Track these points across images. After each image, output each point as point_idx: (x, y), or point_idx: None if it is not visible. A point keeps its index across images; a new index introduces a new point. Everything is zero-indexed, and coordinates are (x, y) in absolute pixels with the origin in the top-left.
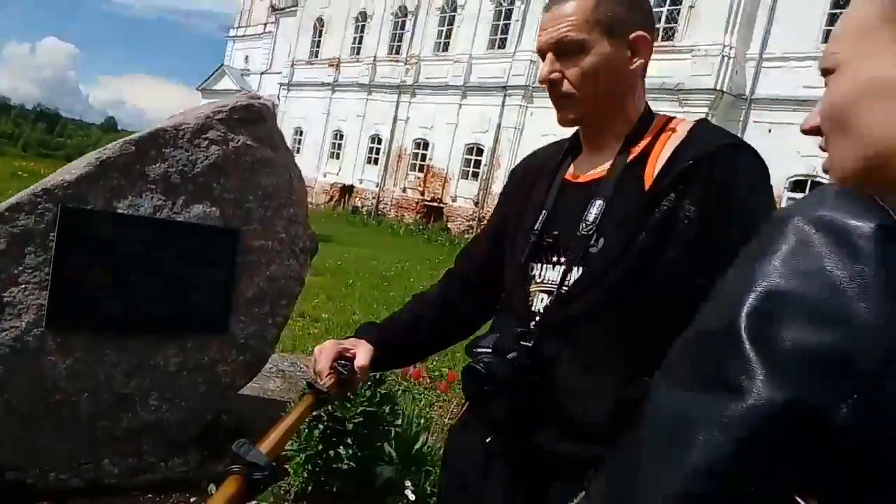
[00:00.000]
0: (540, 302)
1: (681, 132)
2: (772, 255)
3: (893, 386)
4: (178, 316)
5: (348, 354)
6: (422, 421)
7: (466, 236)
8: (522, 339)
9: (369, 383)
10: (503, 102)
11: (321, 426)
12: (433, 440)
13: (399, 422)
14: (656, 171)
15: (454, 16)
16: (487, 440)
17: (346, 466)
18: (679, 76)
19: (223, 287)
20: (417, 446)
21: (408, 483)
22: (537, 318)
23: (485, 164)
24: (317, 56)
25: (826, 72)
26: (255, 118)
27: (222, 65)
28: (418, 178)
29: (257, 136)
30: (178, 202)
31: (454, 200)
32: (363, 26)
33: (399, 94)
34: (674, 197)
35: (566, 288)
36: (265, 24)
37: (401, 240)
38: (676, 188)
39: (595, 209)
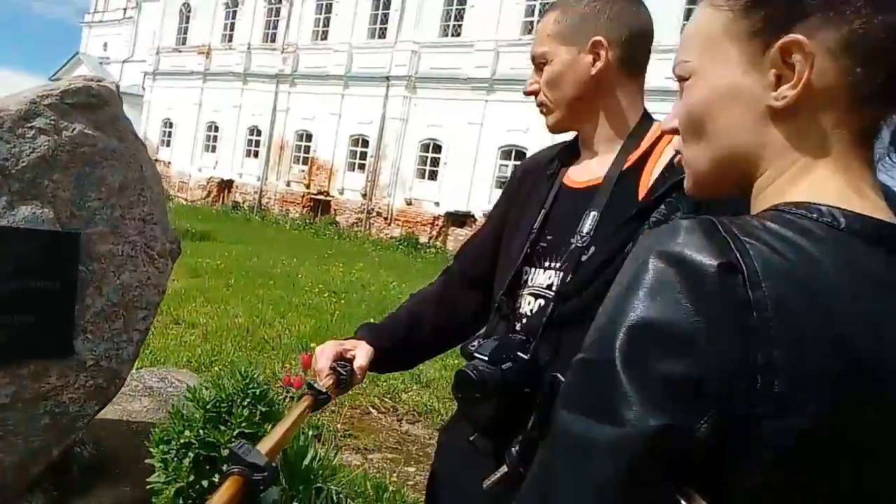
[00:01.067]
0: (528, 305)
1: (677, 141)
2: (636, 289)
3: (738, 401)
4: (7, 340)
5: (348, 355)
6: (310, 433)
7: (356, 229)
8: (520, 349)
9: (248, 401)
10: (387, 93)
11: (191, 454)
12: (325, 450)
13: None
14: (651, 181)
15: (331, 3)
16: (471, 438)
17: None
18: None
19: (63, 302)
20: (306, 462)
21: None
22: (524, 321)
23: (371, 156)
24: (184, 43)
25: (680, 79)
26: (93, 103)
27: (77, 52)
28: (303, 170)
29: (98, 123)
30: None
31: (342, 193)
32: (234, 12)
33: (277, 84)
34: (665, 209)
35: (555, 293)
36: (125, 9)
37: (287, 235)
38: (669, 199)
39: (590, 220)
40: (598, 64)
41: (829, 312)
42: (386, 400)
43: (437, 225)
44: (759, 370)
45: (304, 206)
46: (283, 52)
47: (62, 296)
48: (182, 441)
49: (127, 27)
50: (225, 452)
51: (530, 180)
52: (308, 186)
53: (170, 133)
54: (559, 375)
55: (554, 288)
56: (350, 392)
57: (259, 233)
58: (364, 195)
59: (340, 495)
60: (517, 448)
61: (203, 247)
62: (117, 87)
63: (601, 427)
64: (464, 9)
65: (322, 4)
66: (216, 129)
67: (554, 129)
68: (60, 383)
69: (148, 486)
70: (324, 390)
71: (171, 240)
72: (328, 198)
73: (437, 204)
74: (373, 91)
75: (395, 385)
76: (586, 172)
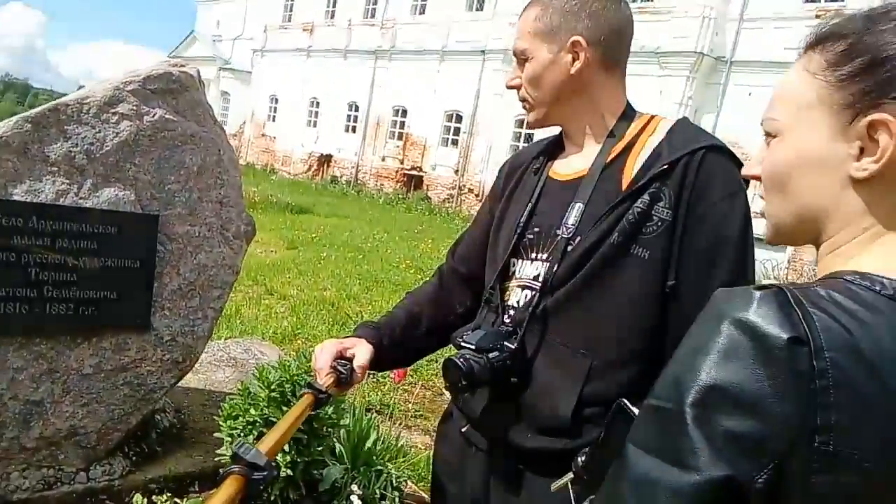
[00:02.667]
0: (515, 297)
1: (660, 132)
2: (710, 351)
3: (796, 457)
4: (91, 314)
5: (347, 354)
6: (372, 417)
7: (447, 205)
8: (507, 339)
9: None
10: (482, 67)
11: (255, 432)
12: (391, 430)
13: (346, 420)
14: (634, 172)
15: None
16: (463, 429)
17: (283, 473)
18: (659, 39)
19: (143, 280)
20: (369, 444)
21: (354, 487)
22: (511, 312)
23: (464, 132)
24: (290, 20)
25: (768, 134)
26: (174, 88)
27: (192, 31)
28: (397, 146)
29: (178, 108)
30: (84, 186)
31: (434, 169)
32: None
33: (376, 60)
34: (648, 199)
35: (541, 283)
36: None
37: (380, 210)
38: (651, 190)
39: (575, 212)
40: (578, 63)
41: (884, 381)
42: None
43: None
44: (817, 431)
45: (397, 182)
46: (381, 27)
47: (142, 274)
48: (248, 418)
49: (238, 5)
50: None
51: (517, 176)
52: (402, 162)
53: (275, 109)
54: (626, 402)
55: (541, 279)
56: (424, 372)
57: (354, 206)
58: (456, 171)
59: (401, 479)
60: (584, 458)
61: (301, 220)
62: (198, 72)
63: (669, 469)
64: None
65: None
66: (318, 104)
67: (535, 125)
68: (139, 356)
69: (217, 458)
70: (324, 389)
71: (245, 222)
72: (421, 173)
73: None
74: (468, 66)
75: None
76: (571, 166)
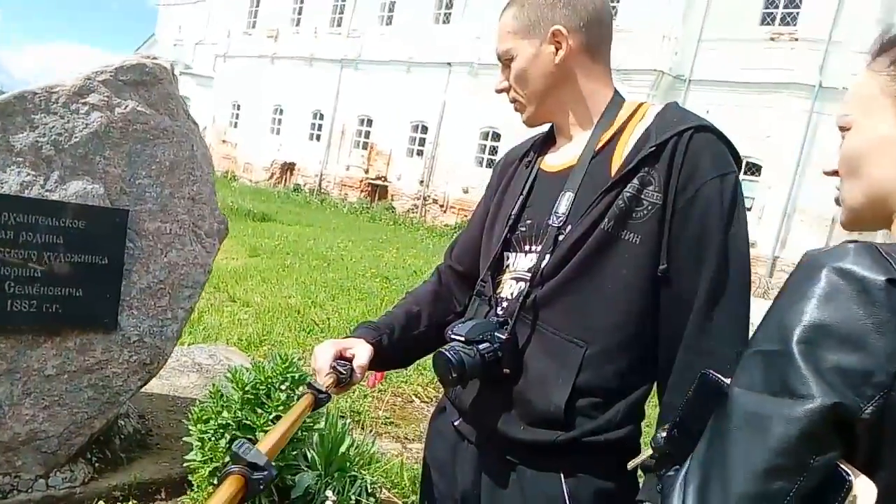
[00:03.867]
0: (509, 289)
1: (648, 117)
2: (812, 297)
3: None
4: (56, 312)
5: (347, 354)
6: (348, 421)
7: (412, 215)
8: (498, 329)
9: (286, 385)
10: (449, 79)
11: (228, 435)
12: (363, 437)
13: (322, 424)
14: (622, 158)
15: None
16: (455, 423)
17: None
18: (621, 56)
19: (111, 277)
20: (343, 449)
21: (329, 493)
22: (504, 304)
23: (430, 143)
24: (254, 26)
25: (842, 129)
26: (147, 80)
27: (153, 34)
28: (362, 156)
29: (151, 101)
30: (51, 178)
31: (399, 179)
32: None
33: (342, 69)
34: (637, 183)
35: (533, 274)
36: None
37: (344, 219)
38: (640, 174)
39: (565, 200)
40: (561, 53)
41: None
42: (430, 389)
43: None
44: None
45: (361, 191)
46: (348, 36)
47: (110, 271)
48: (220, 421)
49: (201, 9)
50: (260, 435)
51: (509, 171)
52: (367, 171)
53: (237, 115)
54: (711, 372)
55: (536, 270)
56: (394, 379)
57: (317, 215)
58: (421, 182)
59: (375, 485)
60: (664, 434)
61: (263, 227)
62: (172, 65)
63: (780, 401)
64: None
65: None
66: (281, 112)
67: (530, 123)
68: (105, 357)
69: (185, 464)
70: (324, 389)
71: (218, 220)
72: (385, 183)
73: None
74: (435, 77)
75: None
76: (562, 157)
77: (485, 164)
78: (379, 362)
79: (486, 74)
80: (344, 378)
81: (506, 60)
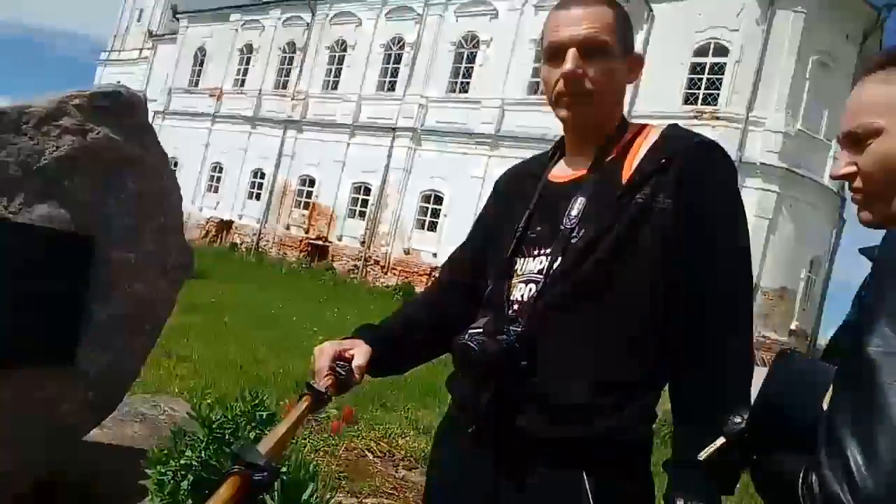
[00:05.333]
0: (519, 292)
1: (654, 135)
2: None
3: None
4: (7, 341)
5: (346, 355)
6: (311, 468)
7: (352, 276)
8: (512, 323)
9: (255, 424)
10: (392, 143)
11: (191, 477)
12: (321, 490)
13: (284, 468)
14: (633, 168)
15: (343, 56)
16: (469, 430)
17: None
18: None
19: (70, 306)
20: (305, 496)
21: None
22: (515, 307)
23: (372, 204)
24: (197, 85)
25: (865, 136)
26: (121, 109)
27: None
28: (303, 215)
29: (124, 129)
30: (16, 199)
31: (340, 239)
32: (248, 58)
33: (285, 130)
34: (649, 191)
35: (546, 275)
36: (141, 50)
37: (283, 278)
38: (651, 182)
39: (577, 205)
40: (633, 76)
41: None
42: (382, 444)
43: (435, 275)
44: None
45: (301, 251)
46: (293, 99)
47: (70, 300)
48: (182, 462)
49: (142, 67)
50: None
51: (514, 185)
52: (307, 231)
53: (175, 172)
54: (792, 349)
55: (545, 270)
56: (346, 436)
57: (255, 274)
58: (363, 242)
59: None
60: (739, 419)
61: (198, 284)
62: (145, 97)
63: None
64: (472, 67)
65: (335, 56)
66: (221, 170)
67: (581, 119)
68: (58, 393)
69: None
70: (323, 390)
71: (185, 255)
72: (326, 243)
73: (434, 255)
74: (379, 141)
75: (391, 430)
76: (570, 169)
77: (426, 226)
78: (378, 365)
79: (428, 139)
80: (343, 379)
81: (596, 50)
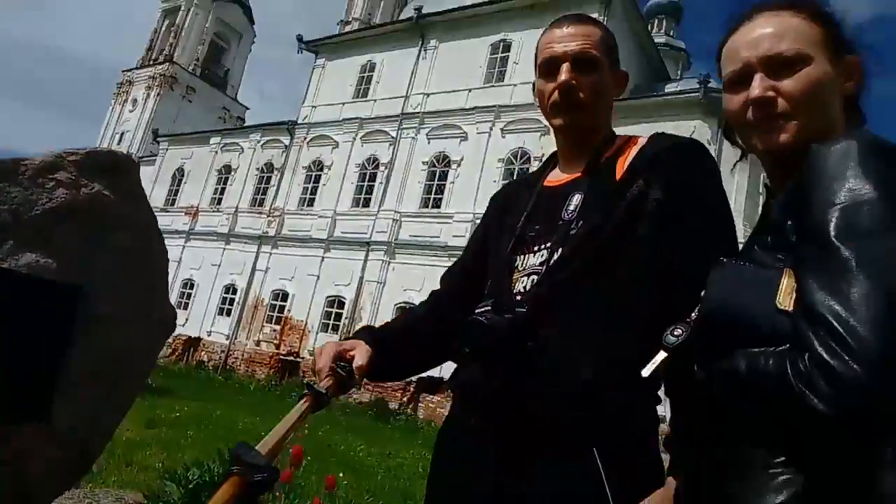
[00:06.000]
0: (521, 284)
1: (642, 141)
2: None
3: None
4: None
5: (347, 355)
6: None
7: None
8: (517, 306)
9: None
10: (366, 257)
11: None
12: None
13: None
14: (626, 167)
15: (320, 175)
16: (472, 422)
17: None
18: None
19: (51, 354)
20: None
21: None
22: (519, 298)
23: (346, 317)
24: (173, 204)
25: (797, 60)
26: (115, 168)
27: None
28: (275, 330)
29: (116, 188)
30: (4, 247)
31: (312, 354)
32: (227, 178)
33: (259, 245)
34: (642, 183)
35: (546, 265)
36: None
37: (251, 396)
38: (644, 176)
39: (575, 200)
40: (619, 91)
41: None
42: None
43: (409, 391)
44: None
45: (271, 368)
46: (269, 215)
47: (49, 352)
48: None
49: None
50: None
51: (509, 196)
52: (278, 347)
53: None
54: (735, 261)
55: (545, 262)
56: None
57: (222, 391)
58: None
59: None
60: (676, 332)
61: (162, 401)
62: (138, 161)
63: None
64: (444, 184)
65: (311, 175)
66: (191, 286)
67: (574, 128)
68: (28, 448)
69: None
70: (323, 391)
71: (169, 311)
72: (297, 359)
73: None
74: (353, 255)
75: None
76: (564, 175)
77: None
78: (377, 368)
79: (402, 253)
80: (344, 379)
81: (588, 64)
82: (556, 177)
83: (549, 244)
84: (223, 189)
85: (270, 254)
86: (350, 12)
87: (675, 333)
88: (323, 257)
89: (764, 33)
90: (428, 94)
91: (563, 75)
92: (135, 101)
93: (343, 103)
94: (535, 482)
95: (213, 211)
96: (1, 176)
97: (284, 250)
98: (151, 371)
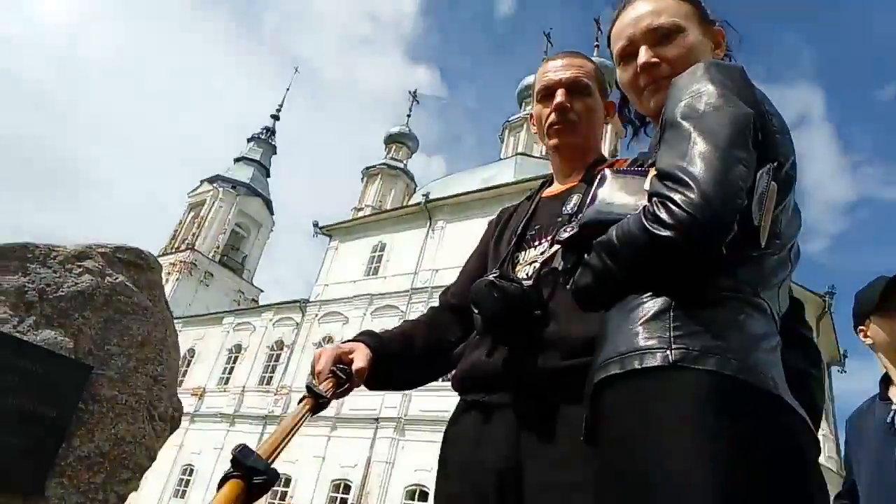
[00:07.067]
0: (525, 272)
1: (630, 157)
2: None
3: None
4: None
5: (347, 358)
6: None
7: None
8: (525, 280)
9: None
10: (375, 435)
11: None
12: None
13: None
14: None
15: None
16: (483, 399)
17: None
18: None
19: (52, 433)
20: None
21: None
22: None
23: (352, 502)
24: (181, 385)
25: (674, 30)
26: (139, 264)
27: None
28: None
29: (138, 281)
30: (27, 321)
31: None
32: (236, 357)
33: (265, 426)
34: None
35: (550, 242)
36: None
37: None
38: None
39: (574, 198)
40: (609, 119)
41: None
42: None
43: None
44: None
45: None
46: (275, 394)
47: (54, 426)
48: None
49: None
50: None
51: (509, 211)
52: None
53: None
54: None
55: (546, 250)
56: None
57: None
58: None
59: None
60: (567, 229)
61: None
62: (158, 262)
63: (733, 106)
64: None
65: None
66: (191, 472)
67: (567, 145)
68: None
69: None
70: (323, 393)
71: (175, 406)
72: None
73: None
74: (360, 433)
75: None
76: (561, 186)
77: None
78: (376, 373)
79: (412, 429)
80: (344, 382)
81: (581, 90)
82: (554, 188)
83: (550, 237)
84: (231, 369)
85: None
86: (363, 199)
87: (567, 229)
88: (329, 436)
89: (644, 11)
90: (437, 270)
91: (559, 98)
92: None
93: (354, 281)
94: (553, 438)
95: (220, 391)
96: (33, 258)
97: None
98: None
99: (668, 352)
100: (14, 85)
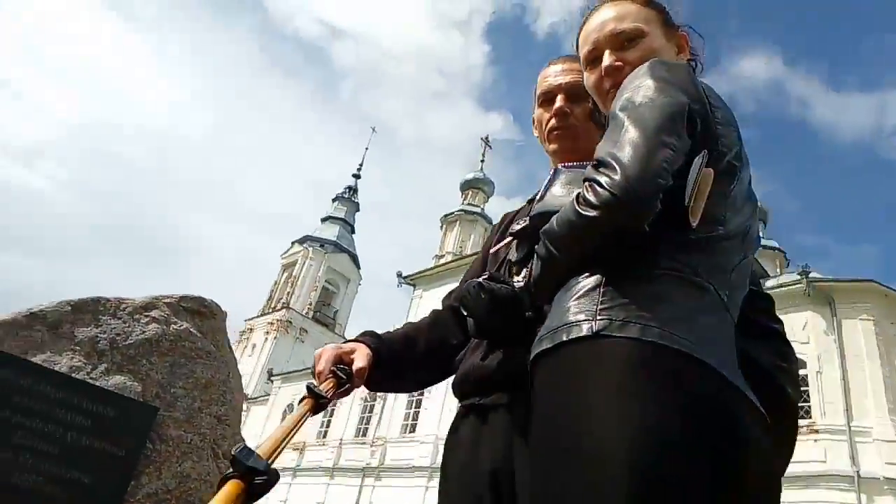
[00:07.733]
0: (523, 275)
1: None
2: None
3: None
4: (57, 495)
5: (347, 358)
6: None
7: None
8: (514, 277)
9: None
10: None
11: None
12: None
13: None
14: None
15: (421, 399)
16: (479, 402)
17: None
18: None
19: (122, 470)
20: None
21: None
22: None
23: None
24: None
25: (635, 35)
26: (203, 311)
27: None
28: None
29: (202, 328)
30: (98, 368)
31: None
32: (332, 410)
33: (363, 478)
34: None
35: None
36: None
37: None
38: None
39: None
40: (599, 132)
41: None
42: None
43: None
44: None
45: None
46: (371, 445)
47: (124, 465)
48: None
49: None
50: None
51: (510, 214)
52: None
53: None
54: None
55: None
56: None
57: None
58: None
59: None
60: (520, 222)
61: None
62: (221, 309)
63: (667, 97)
64: None
65: (412, 400)
66: None
67: (566, 150)
68: None
69: None
70: (323, 393)
71: (238, 444)
72: None
73: None
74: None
75: None
76: None
77: None
78: (373, 375)
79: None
80: (344, 382)
81: (579, 94)
82: None
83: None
84: (329, 422)
85: (374, 486)
86: (443, 247)
87: (518, 223)
88: (427, 487)
89: (609, 17)
90: None
91: (558, 103)
92: (254, 345)
93: None
94: None
95: (319, 445)
96: (105, 310)
97: (388, 482)
98: None
99: (593, 322)
100: (127, 166)
